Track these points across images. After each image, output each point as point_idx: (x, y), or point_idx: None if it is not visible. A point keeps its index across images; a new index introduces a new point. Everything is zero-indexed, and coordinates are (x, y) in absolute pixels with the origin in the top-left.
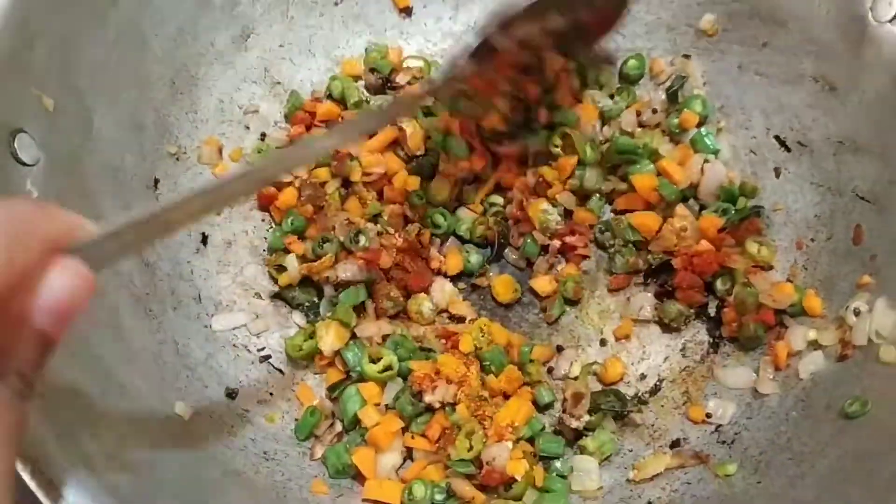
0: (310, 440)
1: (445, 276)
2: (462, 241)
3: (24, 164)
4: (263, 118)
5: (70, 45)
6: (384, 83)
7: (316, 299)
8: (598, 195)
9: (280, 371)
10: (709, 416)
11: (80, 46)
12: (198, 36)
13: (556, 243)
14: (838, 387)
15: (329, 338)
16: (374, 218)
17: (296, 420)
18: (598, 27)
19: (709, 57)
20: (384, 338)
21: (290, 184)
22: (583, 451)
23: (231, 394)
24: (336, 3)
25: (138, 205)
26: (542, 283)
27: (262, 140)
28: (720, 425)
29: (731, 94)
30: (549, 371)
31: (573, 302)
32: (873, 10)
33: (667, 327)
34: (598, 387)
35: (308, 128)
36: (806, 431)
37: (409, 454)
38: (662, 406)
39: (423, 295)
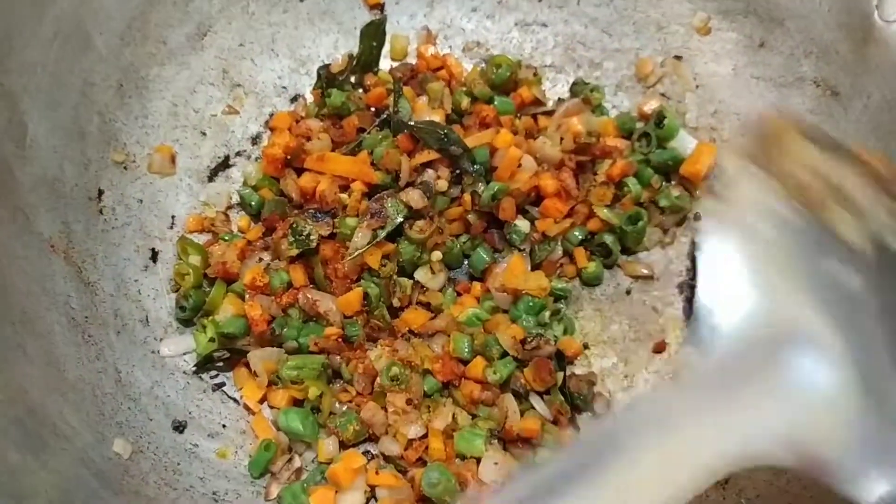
0: (265, 478)
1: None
2: None
3: None
4: (222, 124)
5: (2, 44)
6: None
7: None
8: None
9: (235, 400)
10: None
11: (13, 45)
12: (148, 34)
13: None
14: None
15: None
16: None
17: (249, 456)
18: None
19: (701, 58)
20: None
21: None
22: None
23: (179, 426)
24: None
25: (79, 219)
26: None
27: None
28: None
29: (726, 99)
30: None
31: None
32: (879, 9)
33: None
34: None
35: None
36: None
37: (372, 493)
38: None
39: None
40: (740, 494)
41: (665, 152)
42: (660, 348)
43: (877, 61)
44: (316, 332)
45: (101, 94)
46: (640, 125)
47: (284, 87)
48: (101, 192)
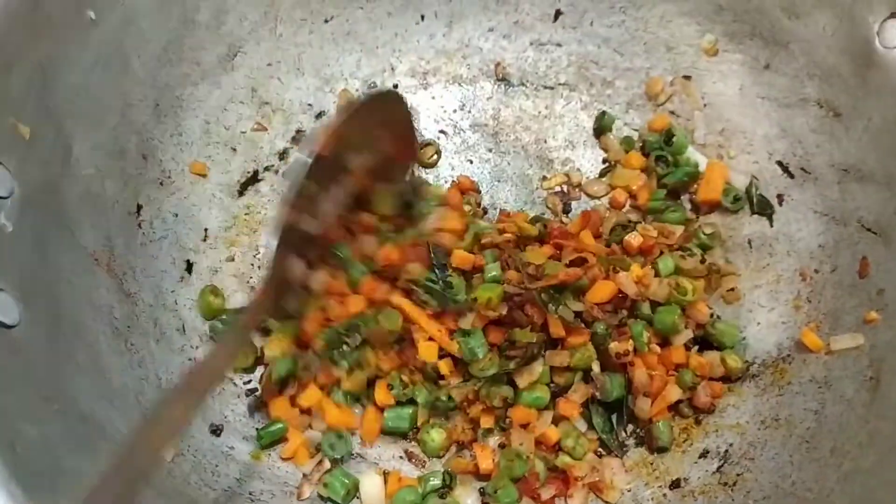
0: (298, 479)
1: None
2: None
3: None
4: (252, 141)
5: (48, 70)
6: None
7: None
8: None
9: (266, 405)
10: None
11: (59, 71)
12: (182, 55)
13: None
14: (844, 429)
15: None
16: None
17: (282, 458)
18: (400, 157)
19: (709, 78)
20: None
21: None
22: None
23: (216, 430)
24: (326, 21)
25: (119, 234)
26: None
27: None
28: (722, 465)
29: (732, 118)
30: None
31: None
32: (880, 36)
33: None
34: None
35: None
36: (811, 476)
37: None
38: None
39: None
40: (748, 496)
41: (679, 170)
42: None
43: (877, 85)
44: None
45: (139, 114)
46: (651, 138)
47: (310, 105)
48: (139, 207)
